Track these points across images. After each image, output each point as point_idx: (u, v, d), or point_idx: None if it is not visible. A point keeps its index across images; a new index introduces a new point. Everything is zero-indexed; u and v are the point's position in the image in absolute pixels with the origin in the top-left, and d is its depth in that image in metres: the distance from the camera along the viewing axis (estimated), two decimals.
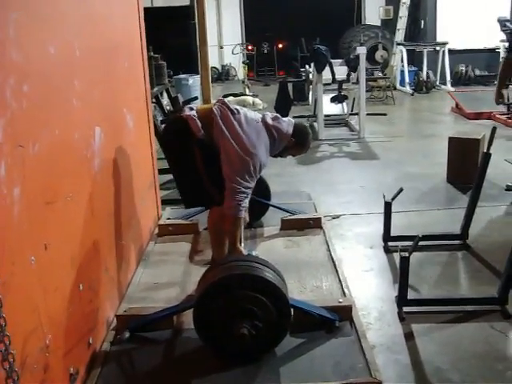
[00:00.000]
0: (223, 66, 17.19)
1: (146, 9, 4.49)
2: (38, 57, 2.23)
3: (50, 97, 2.35)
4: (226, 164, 3.20)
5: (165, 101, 7.45)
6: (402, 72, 13.38)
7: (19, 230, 2.00)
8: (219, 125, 3.24)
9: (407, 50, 13.32)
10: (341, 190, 5.93)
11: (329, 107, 8.87)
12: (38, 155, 2.16)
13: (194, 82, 11.30)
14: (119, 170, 3.41)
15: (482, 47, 13.42)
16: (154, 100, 5.99)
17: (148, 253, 4.05)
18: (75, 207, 2.61)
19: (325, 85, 8.50)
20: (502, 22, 6.15)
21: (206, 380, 2.64)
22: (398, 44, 13.71)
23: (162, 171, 4.93)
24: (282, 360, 2.76)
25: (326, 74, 8.35)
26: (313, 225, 4.41)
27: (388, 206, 4.22)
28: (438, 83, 13.31)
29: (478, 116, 9.26)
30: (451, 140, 6.02)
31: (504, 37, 6.33)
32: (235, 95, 11.48)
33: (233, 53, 14.68)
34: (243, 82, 12.99)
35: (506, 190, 5.55)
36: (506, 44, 5.50)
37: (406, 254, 3.19)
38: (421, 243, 3.41)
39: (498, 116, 8.82)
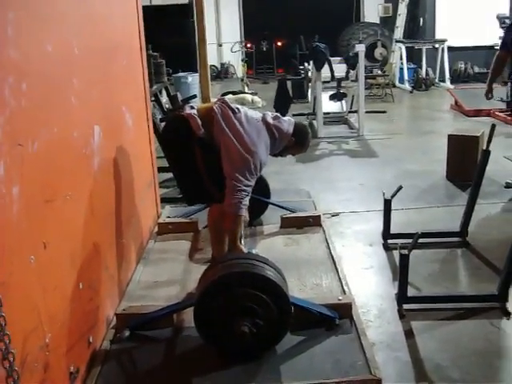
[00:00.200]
0: (222, 64, 17.17)
1: (144, 7, 4.48)
2: (36, 55, 2.23)
3: (49, 95, 2.35)
4: (226, 162, 3.21)
5: (164, 99, 7.44)
6: (401, 69, 13.38)
7: (18, 228, 2.00)
8: (220, 123, 3.24)
9: (406, 48, 13.32)
10: (340, 187, 5.93)
11: (328, 105, 8.86)
12: (36, 154, 2.16)
13: (193, 80, 11.29)
14: (118, 168, 3.41)
15: (481, 44, 13.40)
16: (153, 98, 5.99)
17: (148, 251, 4.05)
18: (74, 206, 2.61)
19: (324, 82, 8.49)
20: (502, 19, 6.17)
21: (207, 378, 2.64)
22: (397, 41, 13.71)
23: (161, 169, 4.93)
24: (282, 358, 2.76)
25: (325, 71, 8.35)
26: (312, 223, 4.41)
27: (387, 204, 4.22)
28: (437, 80, 13.31)
29: (478, 113, 9.26)
30: (450, 137, 6.02)
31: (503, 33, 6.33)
32: (234, 93, 11.47)
33: (232, 51, 14.67)
34: (242, 79, 12.98)
35: (506, 187, 5.55)
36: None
37: (406, 252, 3.19)
38: (420, 241, 3.41)
39: (497, 113, 8.82)
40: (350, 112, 9.50)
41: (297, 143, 3.51)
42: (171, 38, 15.53)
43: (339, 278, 3.51)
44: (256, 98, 11.32)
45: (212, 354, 2.79)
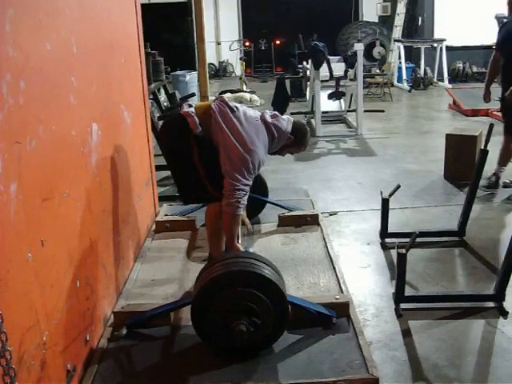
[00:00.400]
0: (220, 63, 17.18)
1: (143, 5, 4.48)
2: (35, 53, 2.22)
3: (47, 93, 2.34)
4: (225, 161, 3.18)
5: (162, 97, 7.43)
6: (400, 69, 13.39)
7: (16, 226, 2.00)
8: (218, 122, 3.23)
9: (405, 47, 13.34)
10: (338, 186, 5.93)
11: (326, 104, 8.85)
12: (34, 152, 2.16)
13: (191, 78, 11.28)
14: (116, 166, 3.41)
15: (479, 44, 13.40)
16: (151, 96, 5.98)
17: (145, 249, 4.05)
18: (72, 204, 2.60)
19: (322, 81, 8.49)
20: (500, 19, 6.17)
21: (204, 376, 2.64)
22: (396, 41, 13.72)
23: (159, 168, 4.92)
24: (279, 356, 2.76)
25: (324, 70, 8.35)
26: (310, 221, 4.41)
27: (385, 203, 4.22)
28: (435, 80, 13.32)
29: (476, 113, 9.27)
30: (448, 137, 6.03)
31: None
32: (233, 92, 11.45)
33: (230, 49, 14.67)
34: (240, 78, 12.97)
35: (504, 186, 5.55)
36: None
37: (404, 251, 3.19)
38: (418, 240, 3.41)
39: (495, 113, 8.82)
40: (348, 111, 9.50)
41: (296, 142, 3.49)
42: (170, 36, 15.55)
43: (337, 277, 3.51)
44: (254, 97, 11.31)
45: (209, 352, 2.79)
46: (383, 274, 3.90)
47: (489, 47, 13.26)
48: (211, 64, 16.11)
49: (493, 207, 5.13)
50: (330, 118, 9.44)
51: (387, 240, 4.33)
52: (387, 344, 3.04)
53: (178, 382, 2.61)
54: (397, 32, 14.02)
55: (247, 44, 16.44)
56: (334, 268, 3.63)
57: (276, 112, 3.52)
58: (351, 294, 3.37)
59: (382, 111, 9.80)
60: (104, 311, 3.06)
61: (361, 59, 8.30)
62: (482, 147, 4.22)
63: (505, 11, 5.49)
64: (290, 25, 16.26)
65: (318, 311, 2.99)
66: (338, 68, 8.55)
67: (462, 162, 5.77)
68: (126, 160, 3.68)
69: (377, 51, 13.38)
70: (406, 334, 3.15)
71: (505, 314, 3.27)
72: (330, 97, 8.62)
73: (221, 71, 17.02)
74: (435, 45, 13.31)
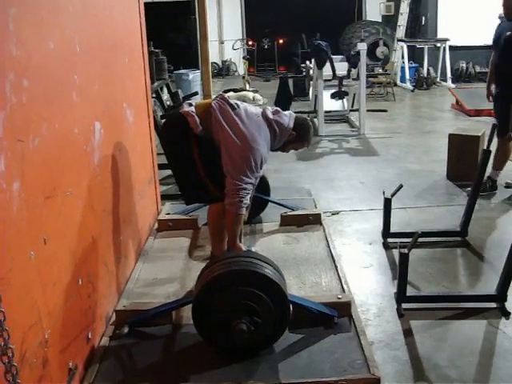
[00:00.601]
0: (223, 62, 17.18)
1: (146, 4, 4.48)
2: (37, 52, 2.22)
3: (50, 92, 2.35)
4: (226, 160, 3.17)
5: (165, 96, 7.45)
6: (403, 68, 13.38)
7: (19, 224, 2.00)
8: (219, 120, 3.20)
9: (408, 47, 13.32)
10: (340, 186, 5.93)
11: (329, 103, 8.85)
12: (37, 150, 2.16)
13: (194, 77, 11.29)
14: (119, 164, 3.41)
15: (482, 44, 13.37)
16: (154, 95, 5.99)
17: (147, 248, 4.05)
18: (74, 202, 2.61)
19: (325, 81, 8.49)
20: (503, 19, 6.14)
21: (205, 375, 2.64)
22: (399, 40, 13.70)
23: (161, 166, 4.92)
24: (280, 356, 2.76)
25: (327, 69, 8.35)
26: (312, 221, 4.41)
27: (388, 203, 4.22)
28: (438, 80, 13.31)
29: (479, 113, 9.25)
30: (451, 137, 6.02)
31: None
32: (235, 91, 11.46)
33: (233, 48, 14.66)
34: (243, 77, 12.98)
35: (506, 187, 5.54)
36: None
37: (406, 251, 3.19)
38: (420, 240, 3.41)
39: None
40: (351, 110, 9.51)
41: (298, 137, 3.45)
42: (173, 35, 15.56)
43: (339, 277, 3.51)
44: (257, 96, 11.32)
45: (210, 351, 2.80)
46: (385, 273, 3.90)
47: (492, 47, 13.28)
48: (214, 63, 16.10)
49: (495, 207, 5.12)
50: (333, 118, 9.44)
51: (389, 240, 4.33)
52: (389, 344, 3.04)
53: (178, 380, 2.61)
54: (400, 31, 14.00)
55: (250, 43, 16.43)
56: (336, 267, 3.63)
57: (278, 108, 3.48)
58: (353, 293, 3.37)
59: (385, 111, 9.79)
60: (106, 309, 3.06)
61: (364, 59, 8.29)
62: (485, 147, 4.22)
63: None
64: (293, 24, 16.25)
65: (320, 311, 2.99)
66: (341, 67, 8.54)
67: (465, 162, 5.76)
68: (129, 158, 3.68)
69: (380, 51, 13.36)
70: (408, 333, 3.15)
71: (507, 314, 3.26)
72: (333, 96, 8.61)
73: (224, 70, 17.02)
74: (438, 44, 13.29)
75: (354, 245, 4.40)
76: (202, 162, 3.24)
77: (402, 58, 13.34)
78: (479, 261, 4.07)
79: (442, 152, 6.26)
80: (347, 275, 3.55)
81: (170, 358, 2.83)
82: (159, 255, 3.98)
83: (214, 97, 3.59)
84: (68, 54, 2.58)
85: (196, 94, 8.02)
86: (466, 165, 5.71)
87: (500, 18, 7.11)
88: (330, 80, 8.53)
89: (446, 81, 13.09)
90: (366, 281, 3.81)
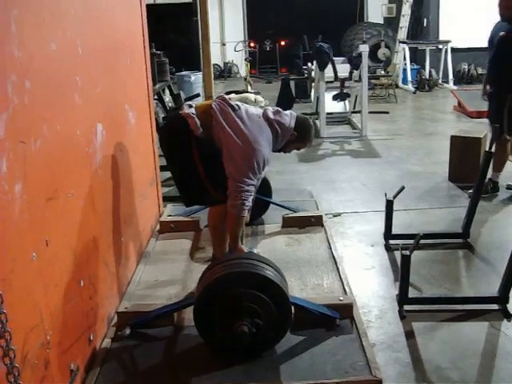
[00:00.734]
0: (225, 63, 17.18)
1: (148, 5, 4.48)
2: (40, 53, 2.23)
3: (52, 93, 2.35)
4: (228, 162, 3.14)
5: (167, 98, 7.45)
6: (405, 70, 13.36)
7: (20, 226, 2.00)
8: (220, 121, 3.18)
9: (410, 48, 13.31)
10: (342, 187, 5.92)
11: (331, 105, 8.85)
12: (39, 151, 2.17)
13: (196, 78, 11.29)
14: (121, 166, 3.41)
15: (484, 46, 13.32)
16: (156, 97, 6.00)
17: (149, 249, 4.06)
18: (76, 204, 2.61)
19: (327, 82, 8.48)
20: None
21: (206, 377, 2.64)
22: (401, 42, 13.69)
23: (163, 168, 4.92)
24: (282, 357, 2.76)
25: (329, 71, 8.34)
26: (314, 223, 4.41)
27: (389, 204, 4.22)
28: (440, 81, 13.29)
29: (481, 114, 9.19)
30: (453, 138, 6.01)
31: None
32: (237, 92, 11.44)
33: (235, 50, 14.67)
34: (245, 79, 12.95)
35: (507, 188, 5.54)
36: None
37: (407, 253, 3.19)
38: (422, 241, 3.41)
39: None
40: (353, 112, 9.49)
41: (300, 137, 3.42)
42: (175, 37, 15.56)
43: (340, 278, 3.51)
44: (259, 98, 11.29)
45: (211, 353, 2.80)
46: (387, 275, 3.90)
47: None
48: (216, 65, 16.11)
49: (497, 209, 5.11)
50: (335, 120, 9.43)
51: (391, 241, 4.32)
52: (390, 346, 3.04)
53: (180, 382, 2.62)
54: (402, 33, 13.98)
55: (252, 45, 16.44)
56: (338, 269, 3.63)
57: (278, 108, 3.46)
58: (355, 295, 3.36)
59: (387, 113, 9.79)
60: (107, 311, 3.06)
61: (366, 60, 8.29)
62: (487, 149, 4.21)
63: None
64: (294, 26, 16.23)
65: (321, 312, 2.99)
66: (343, 69, 8.54)
67: (467, 163, 5.75)
68: (131, 160, 3.68)
69: (382, 52, 13.36)
70: (410, 335, 3.14)
71: (509, 316, 3.26)
72: (335, 98, 8.61)
73: (226, 72, 17.03)
74: (440, 46, 13.28)
75: (356, 247, 4.39)
76: (203, 165, 3.22)
77: (404, 59, 13.32)
78: (481, 262, 4.07)
79: (443, 154, 6.25)
80: (349, 277, 3.55)
81: (172, 359, 2.83)
82: (161, 257, 3.98)
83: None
84: (70, 56, 2.58)
85: (198, 95, 8.02)
86: (467, 166, 5.70)
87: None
88: (331, 82, 8.52)
89: (447, 83, 13.08)
90: (367, 283, 3.80)
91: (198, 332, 2.78)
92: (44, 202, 2.22)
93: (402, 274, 3.28)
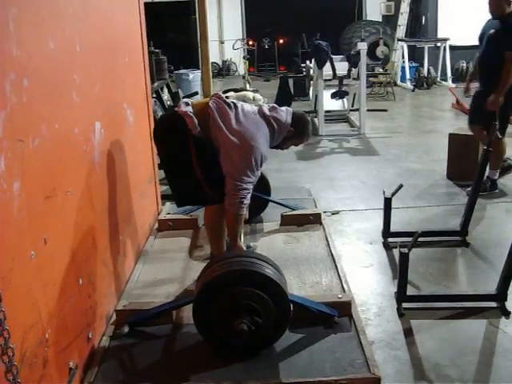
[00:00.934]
0: (224, 62, 17.17)
1: (146, 4, 4.48)
2: (38, 52, 2.23)
3: (50, 92, 2.35)
4: (226, 160, 3.12)
5: (165, 96, 7.45)
6: (403, 68, 13.38)
7: (19, 224, 2.00)
8: (216, 120, 3.15)
9: (408, 46, 13.32)
10: (341, 185, 5.93)
11: (329, 103, 8.85)
12: (37, 150, 2.16)
13: (194, 77, 11.30)
14: (119, 164, 3.41)
15: None
16: (154, 95, 5.99)
17: (148, 248, 4.06)
18: (75, 202, 2.61)
19: (325, 80, 8.49)
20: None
21: (205, 375, 2.64)
22: (399, 40, 13.70)
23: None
24: (281, 355, 2.76)
25: (327, 69, 8.35)
26: (312, 220, 4.41)
27: (388, 202, 4.22)
28: (438, 79, 13.31)
29: None
30: (452, 136, 6.02)
31: None
32: (236, 90, 11.44)
33: (233, 48, 14.65)
34: (244, 77, 12.96)
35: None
36: None
37: (406, 250, 3.19)
38: (420, 239, 3.41)
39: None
40: (351, 110, 9.51)
41: (297, 133, 3.38)
42: (173, 35, 15.56)
43: (339, 276, 3.51)
44: (257, 96, 11.28)
45: (210, 350, 2.80)
46: (385, 273, 3.90)
47: None
48: (214, 63, 16.10)
49: (495, 207, 5.12)
50: (333, 117, 9.44)
51: (390, 239, 4.33)
52: (389, 343, 3.05)
53: (179, 380, 2.61)
54: (400, 31, 14.00)
55: (251, 43, 16.42)
56: (337, 267, 3.63)
57: (274, 104, 3.44)
58: (353, 293, 3.37)
59: (385, 110, 9.79)
60: (106, 309, 3.06)
61: (364, 58, 8.29)
62: (485, 147, 4.21)
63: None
64: (293, 24, 16.23)
65: (320, 310, 2.99)
66: (342, 67, 8.54)
67: (465, 161, 5.76)
68: (129, 158, 3.67)
69: (380, 50, 13.35)
70: (408, 333, 3.15)
71: (507, 313, 3.27)
72: (333, 96, 8.60)
73: (224, 70, 17.02)
74: (439, 44, 13.29)
75: (355, 244, 4.40)
76: (200, 164, 3.18)
77: (403, 57, 13.33)
78: (479, 260, 4.07)
79: (442, 151, 6.26)
80: (347, 275, 3.55)
81: (171, 357, 2.83)
82: (159, 255, 3.98)
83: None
84: (68, 55, 2.58)
85: (196, 93, 8.03)
86: (466, 164, 5.71)
87: None
88: (330, 80, 8.53)
89: (446, 80, 13.09)
90: (366, 280, 3.81)
91: (197, 330, 2.78)
92: (42, 201, 2.22)
93: (400, 271, 3.29)
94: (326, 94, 8.54)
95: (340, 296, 3.14)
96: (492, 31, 5.09)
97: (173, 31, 15.75)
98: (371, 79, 11.80)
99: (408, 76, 13.14)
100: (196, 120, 3.15)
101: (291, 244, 4.09)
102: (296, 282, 3.47)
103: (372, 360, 2.64)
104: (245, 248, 3.44)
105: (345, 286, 3.38)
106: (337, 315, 2.99)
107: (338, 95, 8.64)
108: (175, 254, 4.00)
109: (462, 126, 7.63)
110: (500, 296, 3.33)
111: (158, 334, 2.99)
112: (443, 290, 3.63)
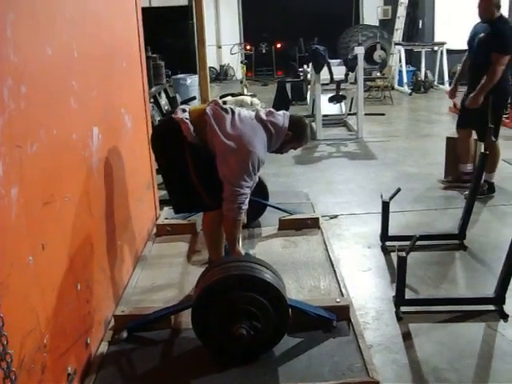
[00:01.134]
0: (221, 66, 17.21)
1: (143, 9, 4.49)
2: (35, 58, 2.23)
3: (48, 97, 2.35)
4: (223, 166, 3.11)
5: (163, 101, 7.46)
6: (400, 72, 13.40)
7: (17, 230, 2.00)
8: (213, 126, 3.14)
9: (405, 50, 13.35)
10: (339, 189, 5.93)
11: (327, 107, 8.86)
12: (35, 156, 2.17)
13: (192, 81, 11.29)
14: (117, 170, 3.41)
15: None
16: (152, 100, 6.00)
17: (146, 253, 4.06)
18: (73, 207, 2.61)
19: (323, 85, 8.49)
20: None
21: (204, 380, 2.64)
22: (396, 44, 13.74)
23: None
24: (280, 360, 2.76)
25: (324, 73, 8.35)
26: (311, 225, 4.41)
27: (386, 206, 4.22)
28: (436, 83, 13.33)
29: None
30: (449, 140, 6.03)
31: None
32: (233, 95, 11.45)
33: (231, 53, 14.68)
34: (241, 81, 12.97)
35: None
36: None
37: (404, 254, 3.19)
38: (418, 243, 3.41)
39: None
40: (349, 114, 9.51)
41: (295, 136, 3.37)
42: (170, 40, 15.58)
43: (337, 280, 3.51)
44: (255, 100, 11.30)
45: (209, 355, 2.80)
46: (384, 277, 3.90)
47: None
48: (212, 67, 16.13)
49: (493, 210, 5.13)
50: (331, 122, 9.45)
51: (388, 243, 4.33)
52: (388, 347, 3.04)
53: None
54: (397, 35, 14.03)
55: (248, 48, 16.46)
56: (335, 271, 3.64)
57: (271, 109, 3.44)
58: (352, 297, 3.37)
59: (383, 114, 9.81)
60: (104, 314, 3.06)
61: (361, 62, 8.30)
62: (482, 150, 4.22)
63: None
64: (290, 28, 16.27)
65: (319, 314, 2.99)
66: (339, 71, 8.55)
67: None
68: (127, 164, 3.68)
69: (377, 54, 13.40)
70: (407, 337, 3.15)
71: (505, 316, 3.26)
72: (331, 100, 8.62)
73: (222, 75, 17.05)
74: (436, 48, 13.34)
75: (353, 248, 4.40)
76: (197, 170, 3.18)
77: (400, 61, 13.36)
78: (477, 263, 4.07)
79: (439, 155, 6.27)
80: (346, 279, 3.55)
81: (169, 362, 2.83)
82: (158, 260, 3.98)
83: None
84: (66, 60, 2.58)
85: (194, 98, 8.02)
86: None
87: None
88: (327, 84, 8.53)
89: (443, 84, 13.12)
90: (364, 284, 3.81)
91: (196, 335, 2.78)
92: (40, 206, 2.22)
93: (398, 275, 3.29)
94: (324, 99, 8.55)
95: (338, 300, 3.14)
96: (482, 35, 5.11)
97: (170, 36, 15.76)
98: (369, 83, 11.82)
99: (405, 80, 13.17)
100: (192, 127, 3.15)
101: (289, 248, 4.09)
102: (294, 287, 3.47)
103: (370, 364, 2.64)
104: (243, 253, 3.44)
105: (343, 290, 3.38)
106: (335, 319, 2.99)
107: (335, 99, 8.65)
108: (173, 259, 3.99)
109: None
110: (498, 299, 3.33)
111: (156, 339, 2.99)
112: (441, 294, 3.63)
